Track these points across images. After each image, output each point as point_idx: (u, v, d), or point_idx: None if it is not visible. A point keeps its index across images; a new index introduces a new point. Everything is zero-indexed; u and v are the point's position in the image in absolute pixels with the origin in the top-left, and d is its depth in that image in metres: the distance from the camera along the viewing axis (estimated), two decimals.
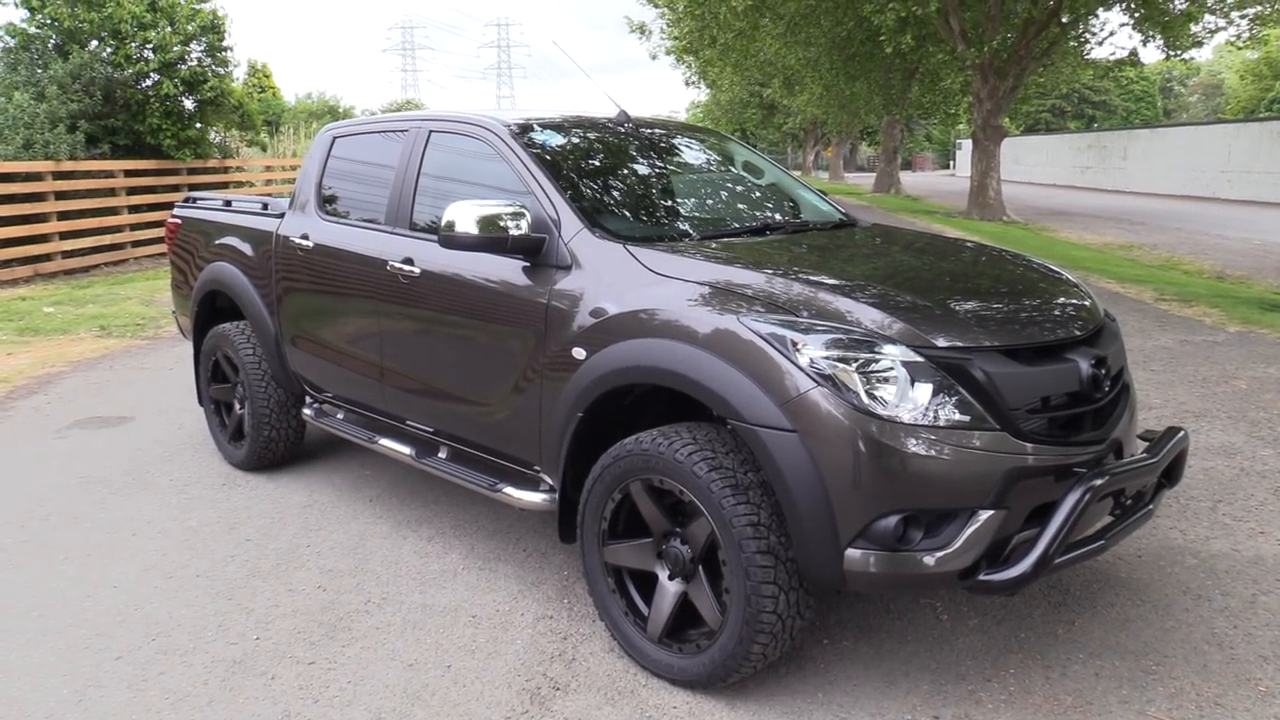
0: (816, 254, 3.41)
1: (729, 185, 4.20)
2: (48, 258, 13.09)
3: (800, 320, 2.68)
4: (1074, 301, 3.14)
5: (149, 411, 6.31)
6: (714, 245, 3.36)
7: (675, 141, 4.26)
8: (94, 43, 15.33)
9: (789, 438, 2.58)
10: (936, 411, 2.56)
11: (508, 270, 3.41)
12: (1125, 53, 21.27)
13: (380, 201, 4.11)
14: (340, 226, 4.30)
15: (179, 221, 5.53)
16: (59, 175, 13.28)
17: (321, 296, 4.37)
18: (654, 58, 32.87)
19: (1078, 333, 2.90)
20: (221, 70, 17.07)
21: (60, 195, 13.34)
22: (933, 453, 2.52)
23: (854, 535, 2.55)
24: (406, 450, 4.00)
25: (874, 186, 36.02)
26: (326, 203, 4.49)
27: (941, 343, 2.63)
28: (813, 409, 2.56)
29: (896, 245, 3.71)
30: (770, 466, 2.62)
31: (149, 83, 15.79)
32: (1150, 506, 3.03)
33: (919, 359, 2.59)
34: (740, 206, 4.13)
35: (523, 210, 3.30)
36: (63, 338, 9.11)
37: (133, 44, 15.31)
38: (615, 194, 3.67)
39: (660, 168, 4.04)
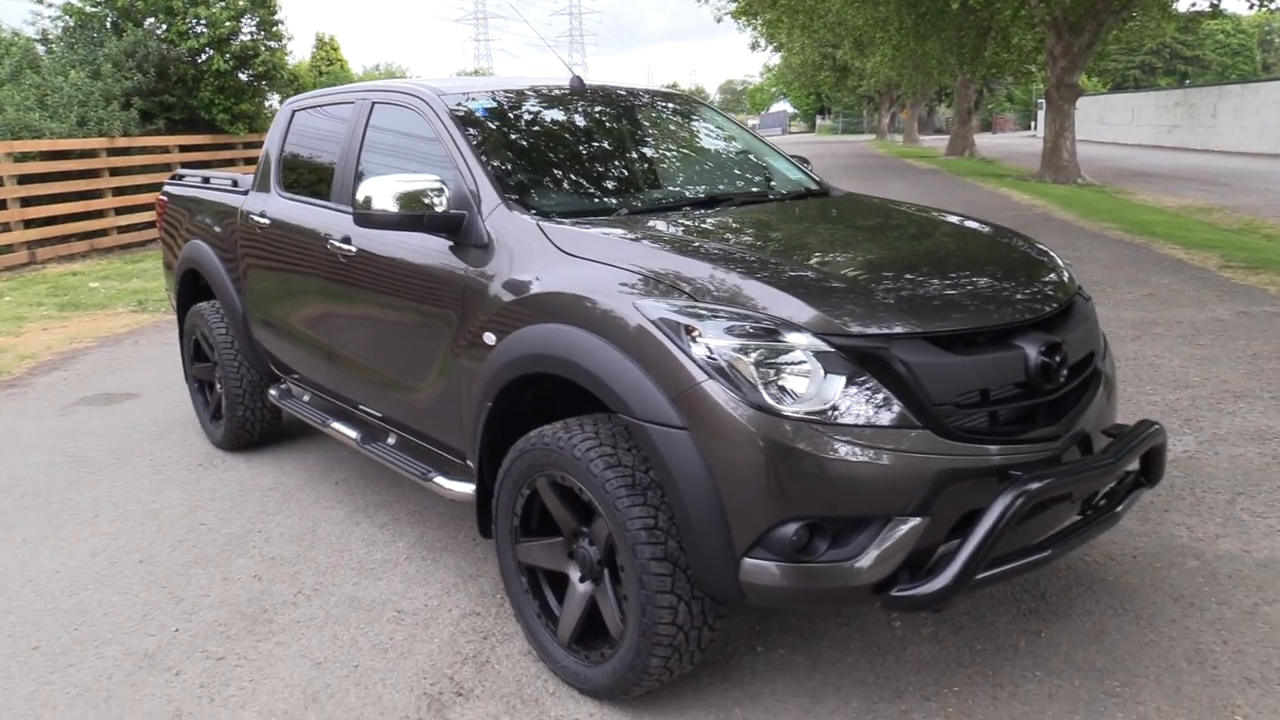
0: (754, 229, 3.13)
1: (684, 155, 3.92)
2: (103, 233, 13.41)
3: (701, 305, 2.43)
4: (1036, 282, 2.81)
5: (155, 389, 6.33)
6: (639, 221, 3.11)
7: (633, 110, 3.98)
8: (149, 20, 15.58)
9: (679, 435, 2.34)
10: (847, 407, 2.29)
11: (435, 249, 3.22)
12: (1207, 4, 19.89)
13: (329, 177, 3.96)
14: (293, 203, 4.16)
15: (165, 199, 5.48)
16: (114, 151, 13.55)
17: (278, 275, 4.25)
18: (718, 20, 31.97)
19: (1026, 316, 2.57)
20: (274, 44, 17.22)
21: (115, 171, 13.62)
22: (840, 454, 2.25)
23: (750, 544, 2.30)
24: (353, 435, 3.87)
25: (947, 149, 34.79)
26: (285, 178, 4.35)
27: (855, 330, 2.35)
28: (704, 404, 2.31)
29: (857, 218, 3.40)
30: (659, 466, 2.38)
31: (202, 58, 16.01)
32: (1118, 510, 2.71)
33: (828, 349, 2.32)
34: (691, 177, 3.83)
35: (441, 185, 3.10)
36: (100, 313, 9.28)
37: (185, 20, 15.52)
38: (546, 167, 3.44)
39: (608, 138, 3.77)
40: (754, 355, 2.30)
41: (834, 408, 2.28)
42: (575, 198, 3.34)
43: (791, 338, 2.32)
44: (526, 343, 2.75)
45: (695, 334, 2.34)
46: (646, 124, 3.92)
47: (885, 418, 2.30)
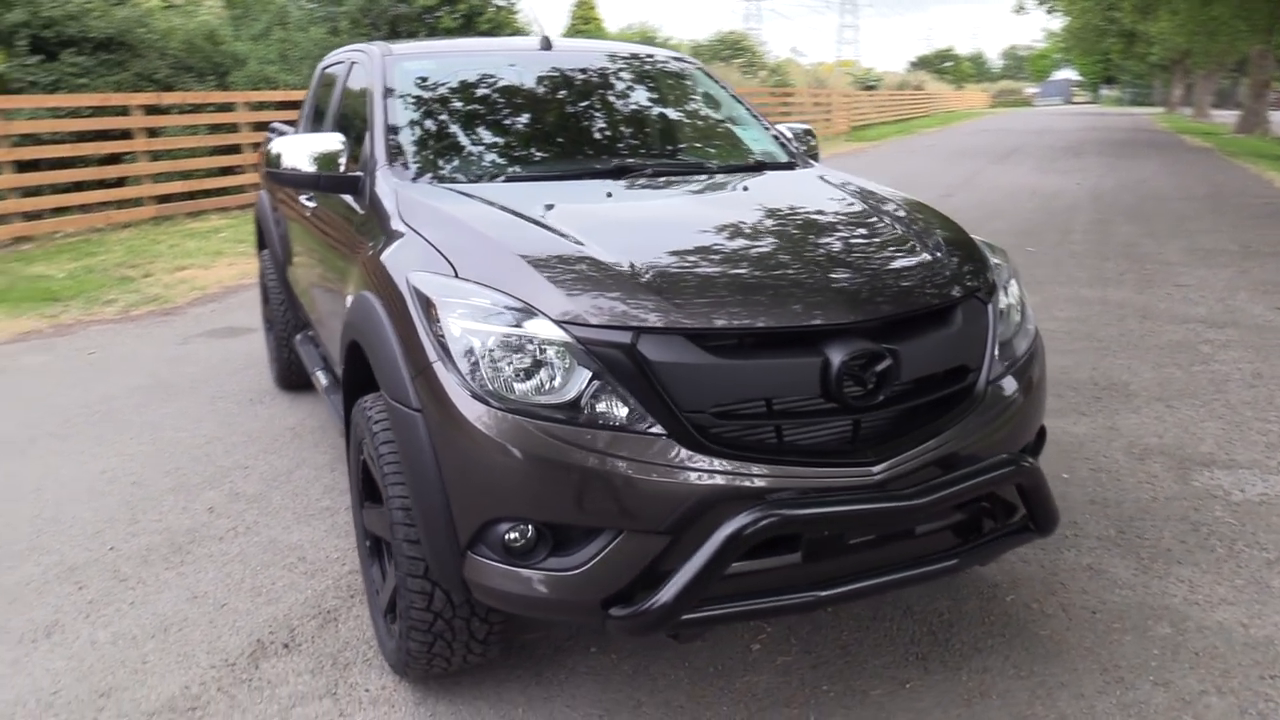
0: (611, 204, 2.93)
1: (624, 122, 3.66)
2: None
3: (460, 282, 2.29)
4: (894, 283, 2.40)
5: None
6: (497, 191, 2.96)
7: (588, 72, 3.76)
8: None
9: (414, 417, 2.23)
10: (580, 405, 2.09)
11: (349, 209, 3.25)
12: None
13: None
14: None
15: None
16: None
17: (288, 225, 4.47)
18: None
19: (831, 321, 2.19)
20: (501, 2, 18.00)
21: None
22: (561, 456, 2.06)
23: (470, 539, 2.17)
24: (324, 383, 4.01)
25: (1236, 126, 30.71)
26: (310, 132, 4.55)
27: (597, 321, 2.12)
28: (434, 386, 2.19)
29: (769, 199, 3.06)
30: (400, 448, 2.29)
31: (433, 17, 17.04)
32: (951, 562, 2.30)
33: (567, 338, 2.11)
34: (618, 146, 3.56)
35: (341, 146, 3.12)
36: None
37: None
38: (449, 131, 3.34)
39: (538, 105, 3.59)
40: (489, 340, 2.14)
41: (566, 404, 2.08)
42: (458, 163, 3.22)
43: (531, 325, 2.14)
44: (352, 308, 2.73)
45: (436, 310, 2.22)
46: (596, 90, 3.70)
47: (620, 420, 2.07)
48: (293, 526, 3.64)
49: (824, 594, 2.15)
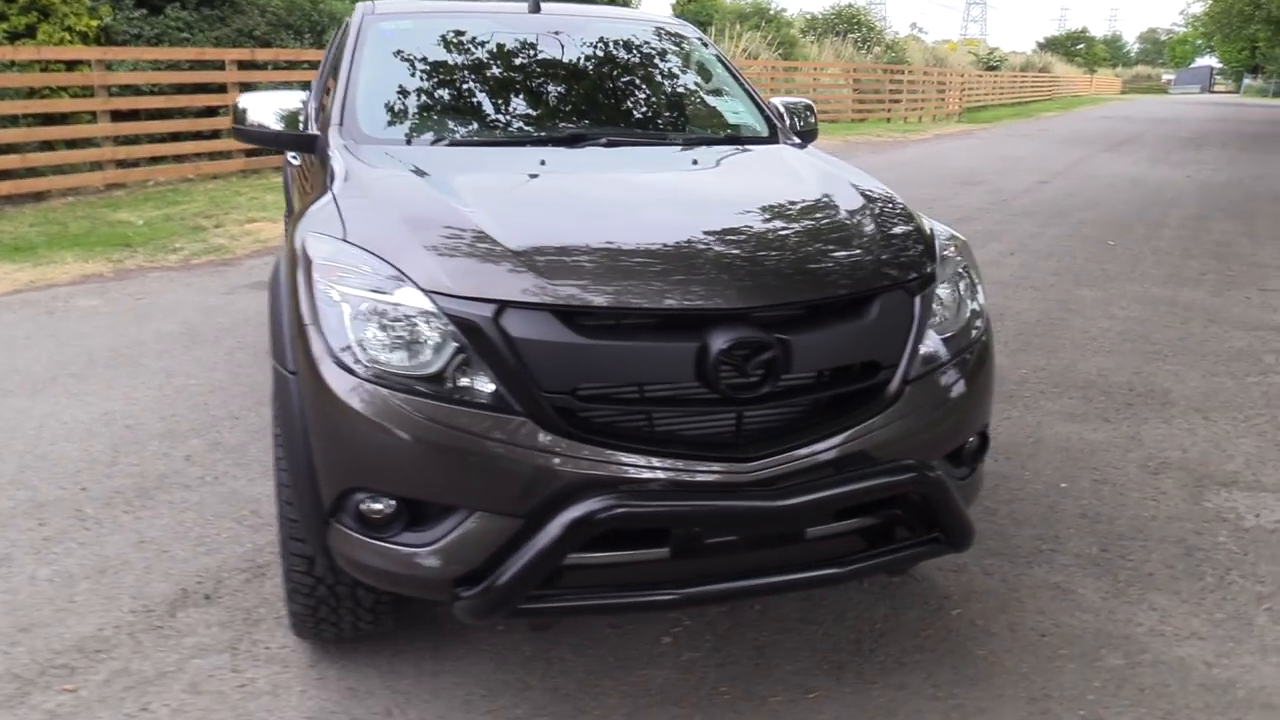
0: (542, 175, 2.84)
1: (592, 89, 3.52)
2: None
3: (340, 244, 2.25)
4: (805, 269, 2.25)
5: None
6: (432, 151, 2.92)
7: (569, 37, 3.63)
8: None
9: (289, 379, 2.21)
10: (437, 377, 2.01)
11: (311, 169, 3.25)
12: None
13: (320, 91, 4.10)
14: None
15: None
16: None
17: (292, 186, 4.52)
18: None
19: (718, 306, 2.05)
20: None
21: None
22: (413, 429, 1.99)
23: (331, 507, 2.13)
24: None
25: None
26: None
27: (460, 291, 2.04)
28: (308, 349, 2.14)
29: (724, 170, 2.93)
30: (277, 410, 2.26)
31: None
32: (832, 570, 2.15)
33: (432, 308, 2.04)
34: (579, 112, 3.44)
35: (301, 104, 3.11)
36: None
37: None
38: (408, 93, 3.26)
39: (508, 66, 3.49)
40: (361, 306, 2.09)
41: (428, 377, 2.01)
42: (417, 128, 3.15)
43: (400, 293, 2.07)
44: (273, 270, 2.72)
45: (313, 270, 2.17)
46: (575, 57, 3.58)
47: (480, 398, 1.99)
48: (258, 480, 3.69)
49: (684, 594, 2.04)
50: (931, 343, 2.34)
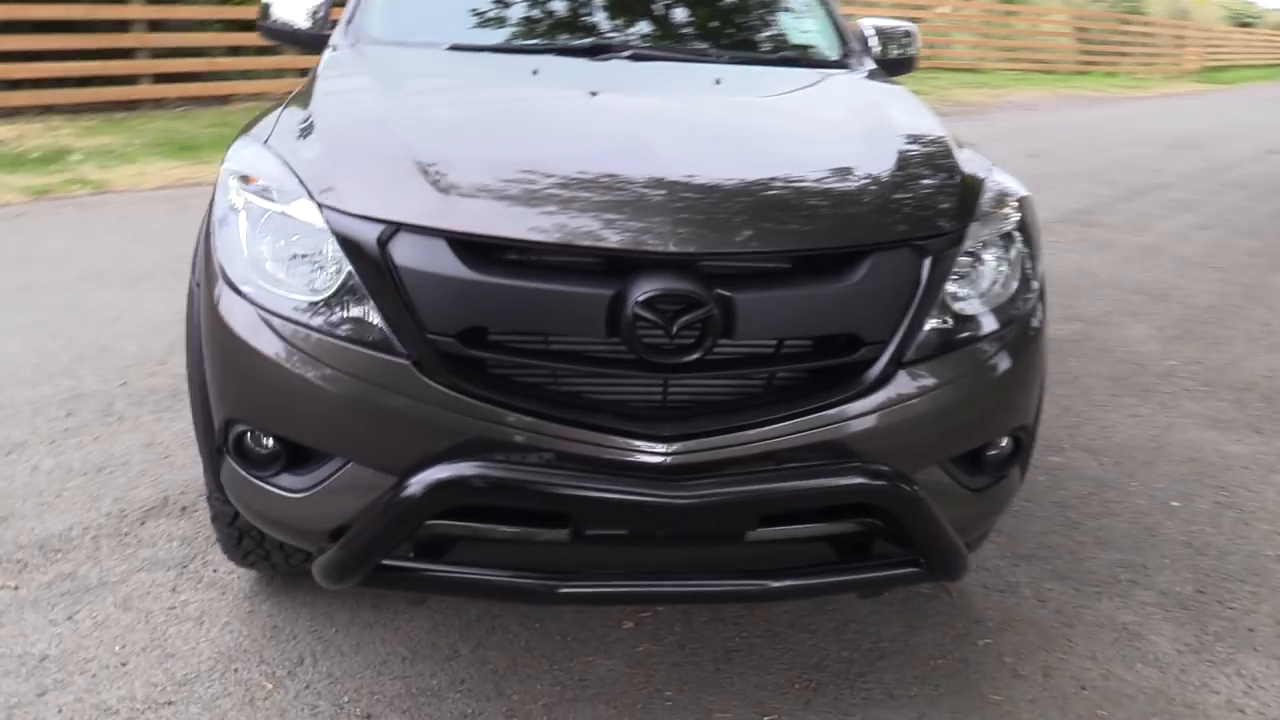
0: (520, 89, 2.51)
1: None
2: None
3: (259, 149, 2.02)
4: (794, 212, 1.83)
5: None
6: (424, 54, 2.68)
7: None
8: None
9: (194, 292, 2.01)
10: (321, 305, 1.75)
11: None
12: None
13: None
14: None
15: None
16: None
17: None
18: None
19: (640, 249, 1.67)
20: None
21: None
22: (287, 360, 1.74)
23: (219, 437, 1.92)
24: None
25: None
26: None
27: (353, 209, 1.75)
28: (206, 262, 1.94)
29: (741, 102, 2.55)
30: (187, 324, 2.07)
31: None
32: (757, 585, 1.76)
33: (322, 225, 1.77)
34: (610, 20, 3.03)
35: (321, 2, 2.90)
36: None
37: None
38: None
39: None
40: (258, 218, 1.85)
41: (310, 305, 1.75)
42: (422, 28, 2.85)
43: (294, 206, 1.81)
44: None
45: (229, 181, 1.94)
46: None
47: (362, 333, 1.72)
48: None
49: (560, 588, 1.72)
50: (947, 318, 1.87)
